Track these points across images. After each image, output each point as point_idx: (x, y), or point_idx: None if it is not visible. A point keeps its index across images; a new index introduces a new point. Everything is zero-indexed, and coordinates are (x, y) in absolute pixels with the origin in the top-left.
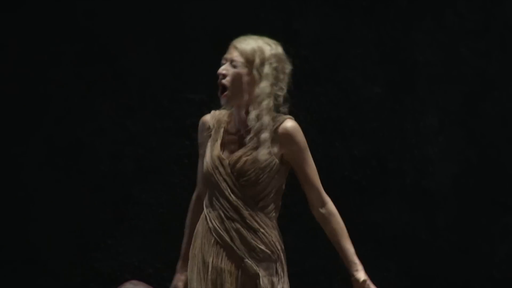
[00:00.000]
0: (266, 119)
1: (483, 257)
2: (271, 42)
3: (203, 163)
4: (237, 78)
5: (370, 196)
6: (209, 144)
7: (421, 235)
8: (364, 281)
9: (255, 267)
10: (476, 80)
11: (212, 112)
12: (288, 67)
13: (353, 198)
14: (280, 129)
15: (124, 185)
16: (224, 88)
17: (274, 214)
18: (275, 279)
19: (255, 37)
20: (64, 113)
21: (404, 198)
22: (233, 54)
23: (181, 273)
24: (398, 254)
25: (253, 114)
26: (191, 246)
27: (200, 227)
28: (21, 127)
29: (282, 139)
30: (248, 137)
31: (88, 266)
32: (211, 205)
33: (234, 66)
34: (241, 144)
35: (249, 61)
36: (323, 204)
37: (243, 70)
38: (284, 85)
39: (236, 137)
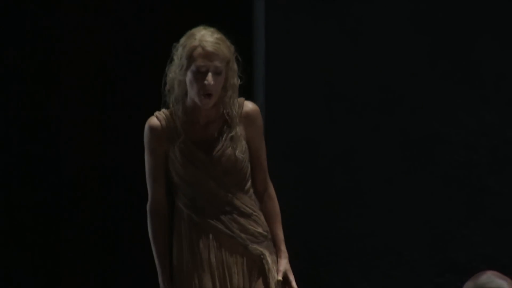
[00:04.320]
0: (235, 111)
1: None
2: (221, 34)
3: (156, 168)
4: (220, 84)
5: None
6: (175, 147)
7: None
8: (284, 271)
9: (259, 249)
10: None
11: (157, 114)
12: None
13: None
14: (243, 112)
15: (479, 175)
16: (210, 95)
17: (253, 193)
18: (274, 257)
19: (212, 32)
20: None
21: None
22: (215, 62)
23: (168, 286)
24: None
25: (232, 110)
26: (176, 253)
27: (183, 232)
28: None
29: (245, 120)
30: (224, 130)
31: (443, 256)
32: (195, 205)
33: (218, 73)
34: (214, 135)
35: (227, 63)
36: (266, 187)
37: (224, 75)
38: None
39: (204, 130)
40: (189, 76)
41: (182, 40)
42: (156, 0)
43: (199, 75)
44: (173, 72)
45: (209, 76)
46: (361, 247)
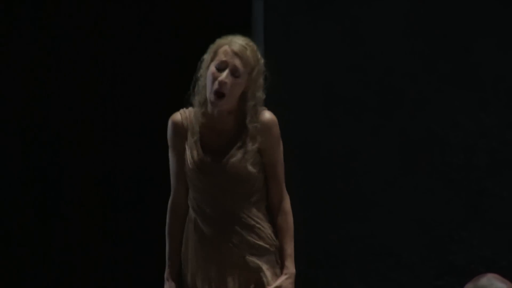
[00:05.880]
0: (256, 125)
1: None
2: (253, 44)
3: (177, 165)
4: (236, 88)
5: None
6: (187, 146)
7: None
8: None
9: (257, 262)
10: None
11: (182, 111)
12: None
13: None
14: (259, 121)
15: (478, 178)
16: (222, 95)
17: (263, 206)
18: (277, 270)
19: (245, 39)
20: (417, 106)
21: None
22: (236, 62)
23: (171, 280)
24: None
25: (253, 123)
26: (182, 252)
27: (190, 232)
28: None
29: (260, 131)
30: (238, 140)
31: (442, 258)
32: (200, 209)
33: (236, 76)
34: (227, 144)
35: (250, 72)
36: (280, 200)
37: (243, 80)
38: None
39: (219, 137)
40: (208, 72)
41: (216, 40)
42: (156, 1)
43: (217, 72)
44: (202, 72)
45: (225, 73)
46: (359, 249)
